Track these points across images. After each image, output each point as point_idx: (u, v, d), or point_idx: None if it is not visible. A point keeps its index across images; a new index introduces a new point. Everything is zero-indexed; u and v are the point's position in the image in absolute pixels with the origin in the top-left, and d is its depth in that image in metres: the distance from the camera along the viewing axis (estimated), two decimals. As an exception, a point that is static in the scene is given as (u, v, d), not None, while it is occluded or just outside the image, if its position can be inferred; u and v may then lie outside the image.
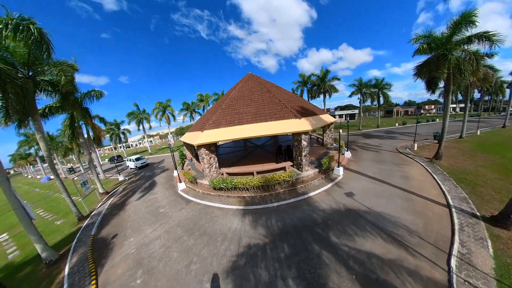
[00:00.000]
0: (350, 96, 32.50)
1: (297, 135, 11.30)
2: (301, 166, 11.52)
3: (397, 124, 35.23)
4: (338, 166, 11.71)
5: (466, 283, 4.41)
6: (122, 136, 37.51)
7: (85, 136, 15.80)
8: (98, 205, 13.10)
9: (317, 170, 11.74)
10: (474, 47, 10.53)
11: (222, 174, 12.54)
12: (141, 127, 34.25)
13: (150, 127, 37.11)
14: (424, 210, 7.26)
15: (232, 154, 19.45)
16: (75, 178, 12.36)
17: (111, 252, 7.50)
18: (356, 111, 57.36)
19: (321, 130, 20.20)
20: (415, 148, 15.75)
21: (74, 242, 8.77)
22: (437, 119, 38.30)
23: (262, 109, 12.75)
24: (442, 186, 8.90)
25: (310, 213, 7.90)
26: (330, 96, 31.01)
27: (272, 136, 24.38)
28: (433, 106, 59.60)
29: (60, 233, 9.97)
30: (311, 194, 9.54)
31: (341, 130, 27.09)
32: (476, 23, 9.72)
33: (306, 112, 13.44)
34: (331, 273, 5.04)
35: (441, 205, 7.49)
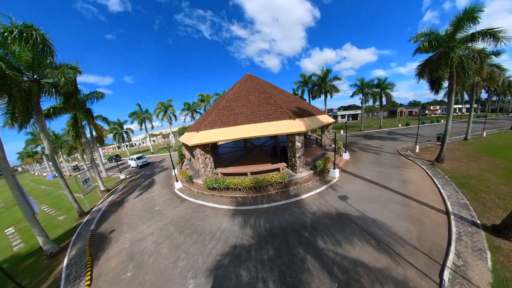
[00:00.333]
0: (351, 96, 32.22)
1: (291, 136, 11.37)
2: (295, 168, 11.58)
3: (400, 125, 34.67)
4: (334, 168, 11.55)
5: None
6: (125, 135, 38.43)
7: (88, 136, 16.40)
8: (99, 202, 13.66)
9: (311, 172, 11.75)
10: (479, 45, 10.03)
11: (217, 174, 12.82)
12: (143, 127, 34.98)
13: (153, 127, 37.78)
14: (420, 216, 6.92)
15: (231, 154, 19.75)
16: (77, 176, 12.92)
17: (107, 246, 7.92)
18: (359, 112, 56.51)
19: (320, 131, 20.22)
20: (417, 150, 15.38)
21: (74, 236, 9.27)
22: (442, 120, 37.42)
23: (257, 110, 12.93)
24: (442, 191, 8.46)
25: (299, 216, 7.83)
26: (331, 96, 30.89)
27: (272, 136, 24.54)
28: (438, 107, 57.98)
29: (62, 228, 10.51)
30: (303, 196, 9.44)
31: (341, 131, 27.18)
32: (479, 19, 9.28)
33: (301, 112, 13.53)
34: (313, 279, 4.95)
35: (440, 211, 7.13)
